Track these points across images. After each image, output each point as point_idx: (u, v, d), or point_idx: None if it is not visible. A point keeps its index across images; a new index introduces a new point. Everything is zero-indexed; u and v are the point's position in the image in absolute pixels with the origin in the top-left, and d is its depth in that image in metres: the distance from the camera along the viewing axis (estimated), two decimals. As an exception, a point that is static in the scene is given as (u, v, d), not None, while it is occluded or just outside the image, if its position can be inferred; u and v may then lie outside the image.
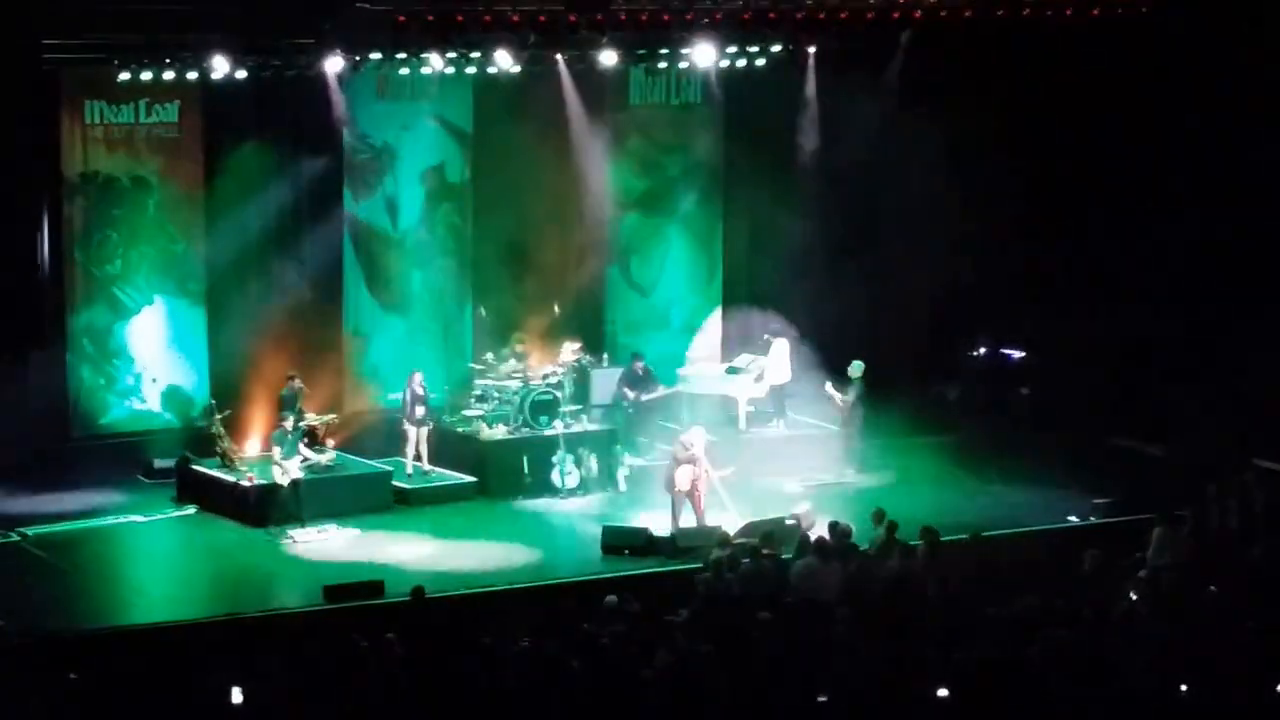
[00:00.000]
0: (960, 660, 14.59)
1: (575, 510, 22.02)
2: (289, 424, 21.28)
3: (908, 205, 25.25)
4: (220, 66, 21.76)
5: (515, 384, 23.24)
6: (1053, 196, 24.97)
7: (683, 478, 20.62)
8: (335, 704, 14.50)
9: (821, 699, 14.18)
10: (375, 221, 24.48)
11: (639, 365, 23.94)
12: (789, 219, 25.71)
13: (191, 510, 21.81)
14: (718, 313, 26.33)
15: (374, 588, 18.51)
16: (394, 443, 22.73)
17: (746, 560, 17.92)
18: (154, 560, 20.72)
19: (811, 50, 24.32)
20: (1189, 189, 23.91)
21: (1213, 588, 16.62)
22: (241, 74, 21.95)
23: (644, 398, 23.65)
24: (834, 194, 25.45)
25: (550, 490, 22.42)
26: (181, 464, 22.38)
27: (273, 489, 21.05)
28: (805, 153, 25.38)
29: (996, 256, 24.97)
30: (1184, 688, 14.32)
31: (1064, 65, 24.34)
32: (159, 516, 21.61)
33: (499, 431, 22.94)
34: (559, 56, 23.36)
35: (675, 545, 20.12)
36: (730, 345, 25.65)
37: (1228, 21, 23.31)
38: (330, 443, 22.40)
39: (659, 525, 20.61)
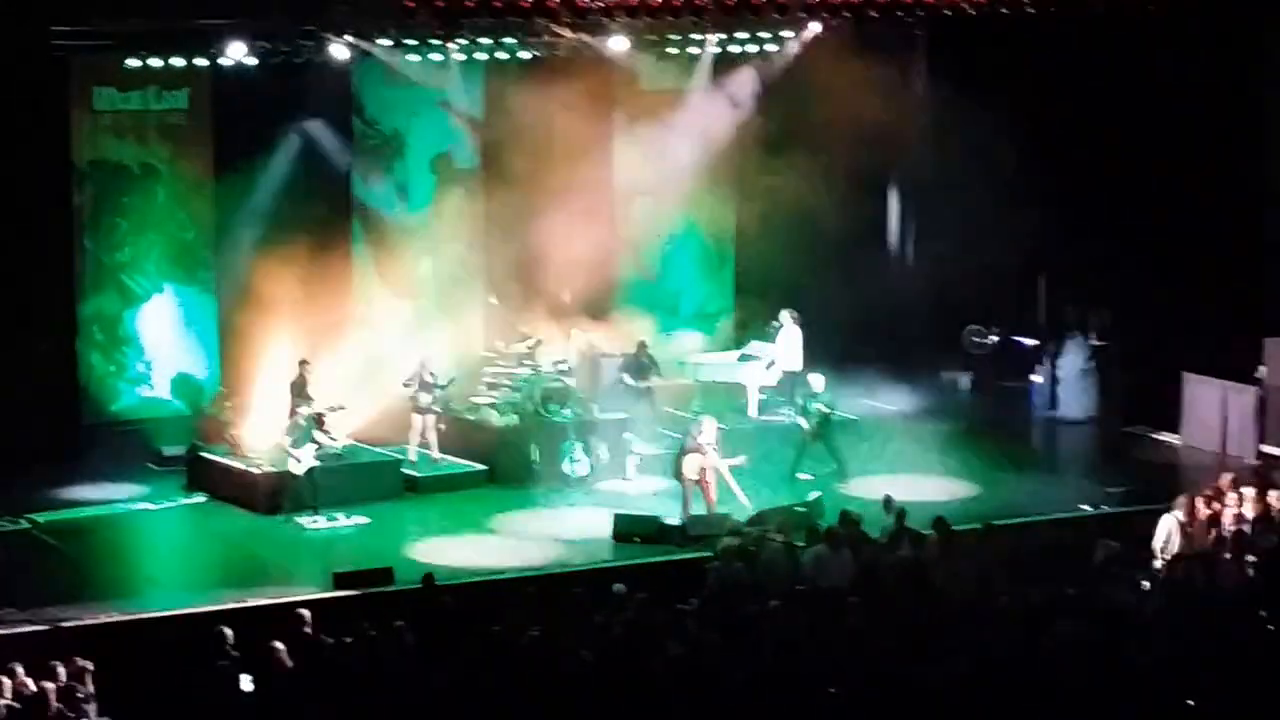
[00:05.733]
0: (971, 650, 14.55)
1: (585, 498, 21.97)
2: (303, 411, 21.24)
3: (920, 191, 25.17)
4: (229, 53, 21.71)
5: (525, 371, 23.20)
6: (1065, 184, 24.85)
7: (691, 466, 20.57)
8: (345, 692, 14.48)
9: (831, 689, 14.14)
10: (385, 208, 24.44)
11: (642, 352, 23.90)
12: (801, 206, 25.65)
13: (201, 498, 21.79)
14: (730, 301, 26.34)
15: (384, 575, 18.48)
16: (403, 431, 22.66)
17: (757, 549, 17.87)
18: (164, 548, 20.69)
19: (821, 34, 24.21)
20: (1204, 179, 23.78)
21: (1226, 577, 16.57)
22: (251, 61, 21.90)
23: (642, 384, 23.59)
24: (846, 180, 25.36)
25: (560, 478, 22.38)
26: (191, 451, 22.37)
27: (283, 476, 21.02)
28: (817, 138, 25.30)
29: (1009, 244, 24.86)
30: (1197, 678, 14.27)
31: (1079, 50, 24.22)
32: (169, 504, 21.58)
33: (509, 419, 22.88)
34: (569, 41, 23.26)
35: (686, 533, 20.07)
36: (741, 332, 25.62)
37: (1243, 14, 23.23)
38: (339, 431, 22.34)
39: (670, 513, 20.56)
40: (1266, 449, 22.71)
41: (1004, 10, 23.20)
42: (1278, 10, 23.09)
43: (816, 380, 22.53)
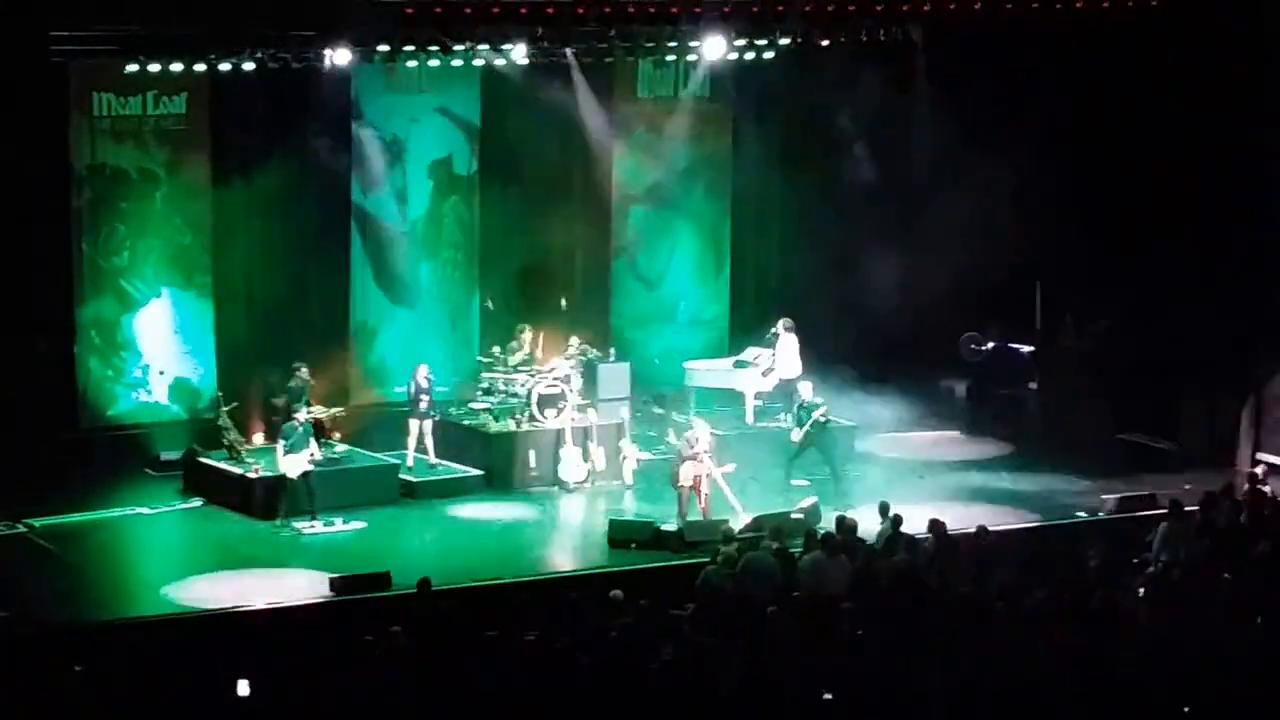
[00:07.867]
0: (966, 655, 14.57)
1: (581, 503, 21.99)
2: (300, 417, 21.25)
3: (917, 198, 25.20)
4: (228, 59, 21.73)
5: (522, 377, 23.23)
6: (1063, 190, 24.88)
7: (686, 473, 20.62)
8: (341, 697, 14.49)
9: (827, 696, 14.16)
10: (383, 214, 24.47)
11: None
12: (797, 212, 25.68)
13: (198, 502, 21.81)
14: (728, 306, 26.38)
15: (380, 580, 18.51)
16: (400, 435, 22.68)
17: (753, 554, 17.89)
18: (160, 552, 20.71)
19: (820, 43, 24.24)
20: (1200, 183, 23.80)
21: (1220, 584, 16.59)
22: (249, 66, 21.93)
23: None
24: (843, 187, 25.41)
25: (557, 483, 22.41)
26: (189, 456, 22.39)
27: (280, 481, 21.04)
28: (814, 146, 25.34)
29: (1006, 251, 24.90)
30: (1191, 683, 14.30)
31: (1076, 56, 24.24)
32: (166, 509, 21.61)
33: (505, 425, 22.91)
34: (567, 49, 23.32)
35: (682, 539, 20.10)
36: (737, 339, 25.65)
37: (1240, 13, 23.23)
38: (337, 435, 22.38)
39: (665, 519, 20.58)
40: (1261, 456, 22.75)
41: (1000, 16, 23.23)
42: (1278, 10, 23.09)
43: (806, 387, 22.58)
